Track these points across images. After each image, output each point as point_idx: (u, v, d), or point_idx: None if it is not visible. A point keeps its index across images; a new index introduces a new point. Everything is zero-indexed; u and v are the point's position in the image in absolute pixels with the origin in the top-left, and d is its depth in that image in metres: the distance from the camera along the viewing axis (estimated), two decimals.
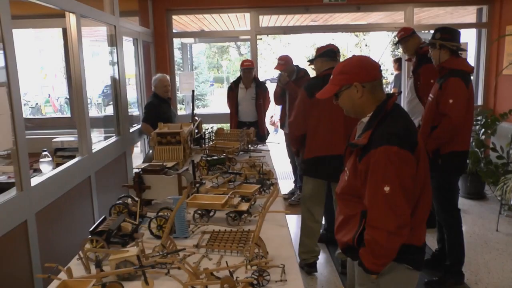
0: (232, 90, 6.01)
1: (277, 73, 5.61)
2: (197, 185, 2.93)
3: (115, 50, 4.61)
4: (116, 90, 4.70)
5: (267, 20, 7.74)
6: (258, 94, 5.89)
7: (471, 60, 7.02)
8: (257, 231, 2.04)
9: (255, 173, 3.29)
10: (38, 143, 4.01)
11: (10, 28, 2.49)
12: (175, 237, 2.30)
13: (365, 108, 2.05)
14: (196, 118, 4.83)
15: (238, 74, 6.19)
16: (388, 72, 16.27)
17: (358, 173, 1.99)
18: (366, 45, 18.53)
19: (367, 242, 1.95)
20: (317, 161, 3.70)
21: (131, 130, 5.06)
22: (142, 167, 2.90)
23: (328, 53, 3.75)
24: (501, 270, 4.04)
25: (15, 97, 2.52)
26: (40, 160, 3.52)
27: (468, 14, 7.71)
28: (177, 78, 6.92)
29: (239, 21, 7.97)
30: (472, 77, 6.79)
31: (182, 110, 8.07)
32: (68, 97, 17.75)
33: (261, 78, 6.55)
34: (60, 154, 4.32)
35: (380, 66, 2.15)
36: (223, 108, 6.86)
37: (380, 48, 18.25)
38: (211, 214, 2.60)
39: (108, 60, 4.71)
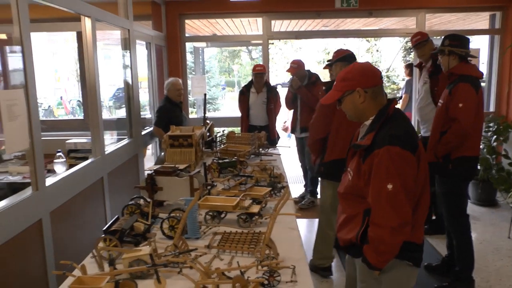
0: (244, 94, 6.05)
1: (288, 77, 5.65)
2: (209, 187, 2.96)
3: (128, 54, 4.67)
4: (128, 93, 4.76)
5: (279, 25, 7.78)
6: (269, 98, 5.92)
7: (483, 66, 7.00)
8: (268, 232, 2.07)
9: (266, 176, 3.32)
10: (51, 145, 4.08)
11: (28, 31, 2.55)
12: (187, 237, 2.33)
13: (367, 112, 2.15)
14: (208, 121, 4.87)
15: (249, 78, 6.23)
16: (399, 78, 16.20)
17: (362, 173, 2.08)
18: (377, 51, 18.45)
19: (370, 239, 2.03)
20: (338, 163, 3.68)
21: (143, 133, 5.11)
22: (155, 168, 2.94)
23: (348, 58, 3.77)
24: None
25: (32, 99, 2.57)
26: (55, 160, 3.58)
27: (481, 20, 7.68)
28: (189, 82, 6.98)
29: (251, 25, 8.02)
30: (483, 84, 6.81)
31: (193, 114, 8.13)
32: (80, 99, 17.96)
33: (272, 82, 6.58)
34: (73, 155, 4.38)
35: (381, 73, 2.23)
36: (234, 112, 6.90)
37: (391, 53, 18.19)
38: (222, 215, 2.63)
39: (121, 63, 4.77)
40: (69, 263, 1.85)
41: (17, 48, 2.54)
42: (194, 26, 7.66)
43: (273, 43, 22.27)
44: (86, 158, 3.80)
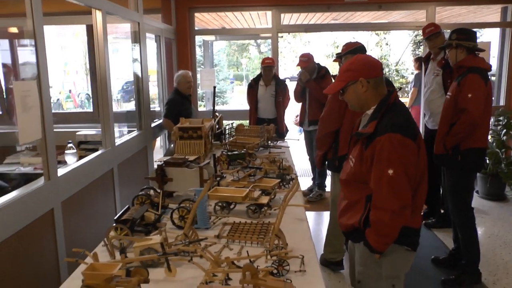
0: (252, 87, 6.07)
1: (297, 71, 5.65)
2: (218, 178, 2.99)
3: (138, 47, 4.69)
4: (138, 85, 4.79)
5: (288, 18, 7.77)
6: (277, 91, 5.93)
7: (494, 60, 6.94)
8: (278, 222, 2.09)
9: (275, 168, 3.34)
10: (61, 137, 4.12)
11: (41, 25, 2.59)
12: (197, 227, 2.36)
13: (369, 101, 2.24)
14: (217, 114, 4.90)
15: (257, 72, 6.24)
16: (408, 72, 16.12)
17: (364, 160, 2.17)
18: (387, 44, 18.37)
19: (372, 222, 2.13)
20: None
21: (152, 125, 5.15)
22: (165, 160, 2.97)
23: (358, 50, 3.76)
24: None
25: (45, 91, 2.61)
26: (66, 151, 3.62)
27: (492, 13, 7.61)
28: (198, 75, 7.00)
29: (260, 19, 8.01)
30: (493, 78, 6.76)
31: (201, 107, 8.15)
32: (88, 93, 18.07)
33: (281, 76, 6.58)
34: (83, 147, 4.42)
35: (382, 65, 2.34)
36: (243, 105, 6.91)
37: (400, 47, 18.10)
38: (231, 206, 2.65)
39: (131, 56, 4.80)
40: (81, 251, 1.88)
41: (27, 41, 2.58)
42: (203, 19, 7.67)
43: (282, 37, 22.21)
44: (96, 150, 3.84)
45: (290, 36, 26.47)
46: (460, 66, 3.61)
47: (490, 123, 4.36)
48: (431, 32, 4.66)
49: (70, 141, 3.79)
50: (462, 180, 3.68)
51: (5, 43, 6.20)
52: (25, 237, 2.44)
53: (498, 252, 4.41)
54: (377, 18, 8.21)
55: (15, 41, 6.34)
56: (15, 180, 3.76)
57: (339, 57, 4.04)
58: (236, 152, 3.63)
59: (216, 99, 5.42)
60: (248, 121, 6.19)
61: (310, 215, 5.41)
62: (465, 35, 3.65)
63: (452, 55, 3.67)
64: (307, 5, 6.58)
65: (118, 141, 3.98)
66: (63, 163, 3.65)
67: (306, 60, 5.54)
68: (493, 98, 6.61)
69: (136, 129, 4.76)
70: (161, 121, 5.52)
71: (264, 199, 2.62)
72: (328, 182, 5.69)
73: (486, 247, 4.48)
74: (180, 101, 5.23)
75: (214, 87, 5.42)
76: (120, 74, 11.80)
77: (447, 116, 3.66)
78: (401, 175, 2.05)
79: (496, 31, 7.03)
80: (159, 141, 7.04)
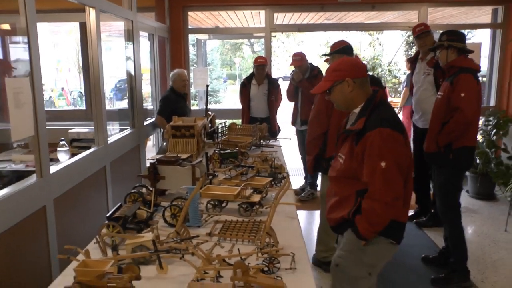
0: (245, 86, 6.08)
1: (289, 71, 5.67)
2: (210, 176, 3.00)
3: (131, 45, 4.69)
4: (131, 84, 4.79)
5: (281, 18, 7.79)
6: (270, 90, 5.95)
7: (485, 60, 7.01)
8: (269, 220, 2.11)
9: (267, 167, 3.36)
10: (53, 134, 4.10)
11: (34, 21, 2.59)
12: (189, 225, 2.37)
13: (356, 100, 2.34)
14: (210, 112, 4.90)
15: (250, 71, 6.25)
16: (401, 72, 16.20)
17: (355, 155, 2.25)
18: (379, 44, 18.45)
19: (364, 210, 2.20)
20: None
21: (145, 123, 5.15)
22: (157, 158, 2.98)
23: (345, 50, 3.79)
24: (509, 270, 4.07)
25: (37, 88, 2.61)
26: (58, 149, 3.62)
27: (483, 14, 7.68)
28: (191, 74, 7.00)
29: (253, 18, 8.02)
30: (484, 79, 6.83)
31: (194, 106, 8.15)
32: (81, 90, 17.96)
33: (274, 75, 6.60)
34: (76, 144, 4.41)
35: (366, 67, 2.47)
36: (236, 104, 6.93)
37: (393, 47, 18.17)
38: (223, 204, 2.67)
39: (124, 54, 4.80)
40: (73, 248, 1.89)
41: (19, 38, 2.58)
42: (196, 18, 7.67)
43: (275, 36, 22.25)
44: (88, 148, 3.84)
45: (284, 36, 26.53)
46: (452, 66, 3.68)
47: (480, 123, 4.42)
48: (421, 31, 4.74)
49: (62, 138, 3.79)
50: (452, 178, 3.73)
51: None
52: (17, 234, 2.44)
53: (487, 250, 4.46)
54: (370, 18, 8.25)
55: (7, 38, 6.30)
56: (6, 177, 3.75)
57: (326, 56, 4.04)
58: (228, 151, 3.65)
59: (209, 98, 5.43)
60: (240, 120, 6.20)
61: (302, 214, 5.44)
62: (455, 36, 3.73)
63: (443, 55, 3.73)
64: (301, 5, 6.61)
65: (111, 139, 3.99)
66: (55, 160, 3.64)
67: (299, 59, 5.56)
68: (483, 98, 6.72)
69: (129, 127, 4.76)
70: (153, 119, 5.52)
71: (256, 198, 2.64)
72: (320, 181, 5.72)
73: (475, 245, 4.54)
74: (175, 99, 5.24)
75: (207, 86, 5.43)
76: (113, 72, 11.77)
77: (439, 115, 3.71)
78: (393, 167, 2.14)
79: (487, 32, 7.10)
80: (151, 140, 7.04)
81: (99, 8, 3.65)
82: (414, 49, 5.04)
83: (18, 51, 5.75)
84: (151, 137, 6.30)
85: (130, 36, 4.67)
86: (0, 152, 4.37)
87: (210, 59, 20.44)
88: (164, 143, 4.61)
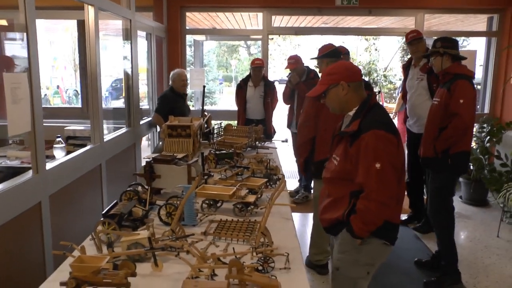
0: (241, 88, 6.09)
1: (285, 74, 5.68)
2: (206, 176, 3.01)
3: (129, 44, 4.70)
4: (128, 83, 4.80)
5: (279, 21, 7.81)
6: (266, 92, 5.97)
7: (480, 68, 7.07)
8: (264, 220, 2.12)
9: (262, 168, 3.37)
10: (49, 131, 4.08)
11: (34, 18, 2.59)
12: (184, 224, 2.38)
13: (350, 103, 2.37)
14: (206, 113, 4.92)
15: (247, 73, 6.27)
16: (396, 78, 16.27)
17: (349, 157, 2.28)
18: (376, 50, 18.51)
19: (359, 210, 2.22)
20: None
21: (141, 123, 5.15)
22: (153, 156, 2.98)
23: (333, 54, 3.82)
24: (500, 274, 4.10)
25: (35, 84, 2.62)
26: (54, 145, 3.61)
27: (478, 22, 7.75)
28: (188, 75, 7.00)
29: (251, 20, 8.05)
30: (479, 86, 6.88)
31: (191, 106, 8.14)
32: (76, 89, 17.90)
33: (270, 78, 6.62)
34: (71, 142, 4.39)
35: (361, 71, 2.49)
36: (231, 106, 6.94)
37: (389, 53, 18.27)
38: (218, 204, 2.68)
39: (121, 53, 4.80)
40: (68, 244, 1.89)
41: (16, 35, 2.58)
42: (194, 19, 7.68)
43: (272, 39, 22.28)
44: (84, 145, 3.84)
45: (280, 39, 26.57)
46: (447, 72, 3.72)
47: (474, 130, 4.46)
48: (413, 38, 4.80)
49: (59, 135, 3.78)
50: (448, 182, 3.79)
51: None
52: (12, 230, 2.44)
53: (479, 255, 4.49)
54: (367, 23, 8.30)
55: (5, 34, 6.29)
56: (1, 173, 3.74)
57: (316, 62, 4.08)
58: (224, 152, 3.66)
59: (205, 99, 5.44)
60: (236, 122, 6.21)
61: (296, 216, 5.44)
62: (450, 43, 3.78)
63: (438, 62, 3.77)
64: (298, 8, 6.64)
65: (106, 137, 3.99)
66: (51, 157, 3.64)
67: (293, 62, 5.58)
68: (477, 106, 6.77)
69: (124, 126, 4.75)
70: (149, 119, 5.52)
71: (251, 198, 2.65)
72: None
73: (467, 250, 4.57)
74: (173, 98, 5.24)
75: (204, 87, 5.44)
76: (110, 71, 11.75)
77: (435, 121, 3.75)
78: (387, 168, 2.17)
79: (482, 40, 7.16)
80: (145, 139, 7.02)
81: (98, 6, 3.65)
82: (413, 55, 5.06)
83: (14, 48, 5.74)
84: (145, 137, 6.28)
85: (128, 35, 4.68)
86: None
87: (206, 61, 20.45)
88: (160, 143, 4.61)
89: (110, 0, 3.98)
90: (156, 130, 5.82)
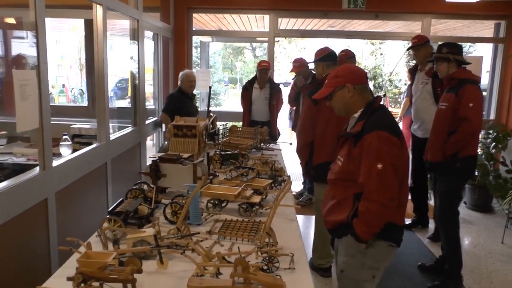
0: (247, 90, 6.10)
1: (291, 77, 5.69)
2: (211, 176, 3.02)
3: (136, 44, 4.72)
4: (135, 82, 4.81)
5: (285, 23, 7.83)
6: (272, 95, 5.98)
7: (486, 74, 7.06)
8: (269, 221, 2.13)
9: (267, 169, 3.38)
10: (54, 129, 4.11)
11: (43, 16, 2.61)
12: (189, 223, 2.39)
13: (356, 106, 2.39)
14: (211, 114, 4.93)
15: (252, 75, 6.28)
16: (402, 82, 16.25)
17: (352, 157, 2.30)
18: (381, 54, 18.48)
19: (361, 213, 2.23)
20: (326, 166, 3.73)
21: (146, 122, 5.17)
22: (159, 155, 3.00)
23: (329, 57, 3.83)
24: (504, 280, 4.09)
25: (43, 81, 2.63)
26: (61, 143, 3.63)
27: (485, 28, 7.74)
28: None
29: (257, 22, 8.06)
30: (485, 93, 6.87)
31: None
32: (81, 88, 17.96)
33: (275, 81, 6.63)
34: (77, 140, 4.41)
35: (367, 74, 2.53)
36: (237, 107, 6.96)
37: (395, 57, 18.23)
38: (223, 204, 2.69)
39: (127, 53, 4.81)
40: (75, 240, 1.90)
41: (22, 33, 2.60)
42: (201, 20, 7.70)
43: (278, 41, 22.30)
44: (89, 144, 3.86)
45: (286, 42, 26.61)
46: (452, 78, 3.73)
47: (480, 136, 4.46)
48: (415, 44, 4.83)
49: (65, 133, 3.80)
50: (456, 186, 3.83)
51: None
52: (18, 226, 2.46)
53: (482, 261, 4.48)
54: (374, 27, 8.30)
55: (13, 32, 6.32)
56: (7, 169, 3.76)
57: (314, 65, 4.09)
58: (229, 152, 3.67)
59: (210, 100, 5.45)
60: (241, 123, 6.22)
61: (299, 219, 5.41)
62: (456, 48, 3.79)
63: (444, 67, 3.78)
64: (305, 11, 6.65)
65: (112, 136, 4.00)
66: (57, 155, 3.66)
67: (298, 65, 5.60)
68: (483, 112, 6.75)
69: (130, 125, 4.77)
70: (155, 119, 5.54)
71: (256, 198, 2.66)
72: None
73: (471, 256, 4.56)
74: (180, 98, 5.26)
75: (210, 87, 5.46)
76: (116, 71, 11.79)
77: (444, 126, 3.76)
78: (389, 169, 2.18)
79: (489, 46, 7.15)
80: (149, 139, 7.04)
81: (106, 6, 3.67)
82: (415, 60, 5.07)
83: (22, 46, 5.76)
84: (149, 137, 6.30)
85: (135, 35, 4.70)
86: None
87: (212, 62, 20.49)
88: (165, 142, 4.63)
89: (118, 0, 4.00)
90: (161, 130, 5.84)
